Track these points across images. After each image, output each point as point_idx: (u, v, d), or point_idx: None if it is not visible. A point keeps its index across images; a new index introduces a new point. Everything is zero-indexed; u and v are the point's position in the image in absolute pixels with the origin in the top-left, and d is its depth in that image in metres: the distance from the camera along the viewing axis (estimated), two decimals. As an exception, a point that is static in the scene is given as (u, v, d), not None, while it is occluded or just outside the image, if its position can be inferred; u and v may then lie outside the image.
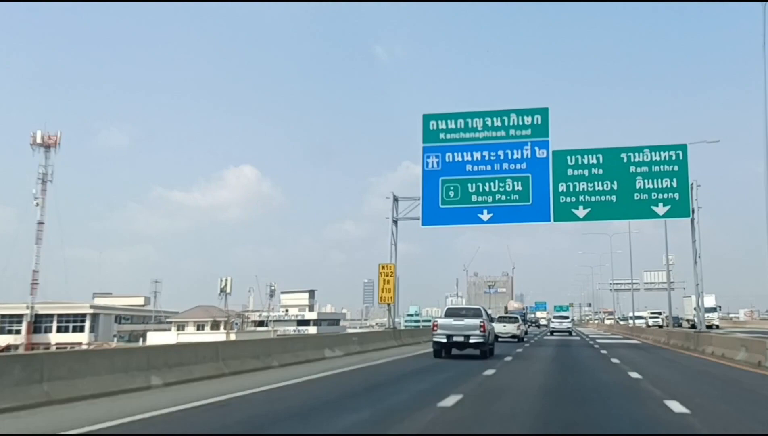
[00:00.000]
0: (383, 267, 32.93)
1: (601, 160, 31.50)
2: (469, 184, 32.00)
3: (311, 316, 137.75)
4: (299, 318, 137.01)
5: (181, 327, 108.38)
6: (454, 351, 23.21)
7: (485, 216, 31.81)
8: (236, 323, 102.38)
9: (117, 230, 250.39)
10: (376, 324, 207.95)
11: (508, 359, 22.76)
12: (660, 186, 30.82)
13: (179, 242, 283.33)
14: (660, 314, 74.03)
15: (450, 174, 32.25)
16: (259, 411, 9.75)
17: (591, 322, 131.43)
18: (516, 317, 44.93)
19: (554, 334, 58.19)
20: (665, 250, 47.43)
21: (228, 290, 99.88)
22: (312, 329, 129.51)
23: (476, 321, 22.29)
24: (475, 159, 32.13)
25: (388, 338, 31.13)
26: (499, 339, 38.39)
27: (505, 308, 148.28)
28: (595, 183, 31.32)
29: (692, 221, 30.97)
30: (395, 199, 33.58)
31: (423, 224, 32.45)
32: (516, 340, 39.65)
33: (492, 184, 31.85)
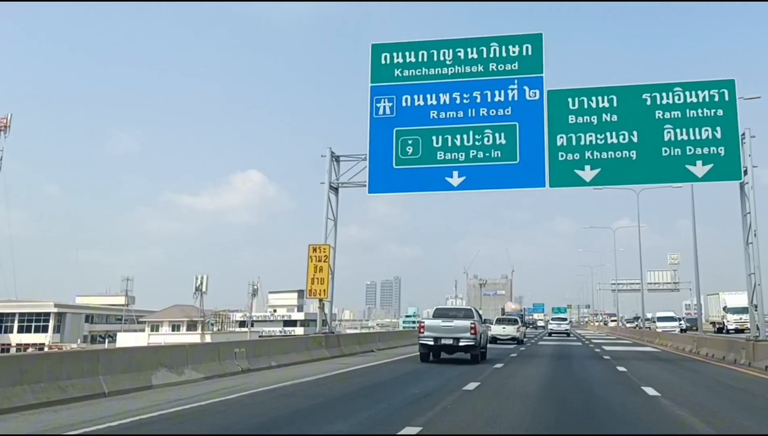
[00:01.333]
0: (315, 249, 23.64)
1: (615, 104, 22.27)
2: (434, 137, 22.81)
3: (298, 316, 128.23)
4: (285, 318, 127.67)
5: (155, 327, 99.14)
6: (444, 355, 21.24)
7: (455, 180, 22.61)
8: (211, 323, 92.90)
9: (127, 232, 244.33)
10: (377, 325, 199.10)
11: (471, 386, 13.49)
12: (698, 137, 21.60)
13: (187, 245, 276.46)
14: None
15: (407, 123, 23.04)
16: None
17: (591, 324, 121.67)
18: (516, 319, 41.15)
19: (552, 335, 56.34)
20: (692, 227, 36.35)
21: (204, 289, 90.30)
22: (299, 330, 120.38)
23: (466, 323, 20.30)
24: (441, 102, 22.92)
25: (315, 346, 21.95)
26: (499, 341, 35.81)
27: (502, 309, 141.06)
28: (608, 134, 22.11)
29: (742, 185, 21.82)
30: (334, 158, 24.29)
31: (370, 191, 23.25)
32: (516, 342, 36.64)
33: (465, 136, 22.65)
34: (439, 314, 21.29)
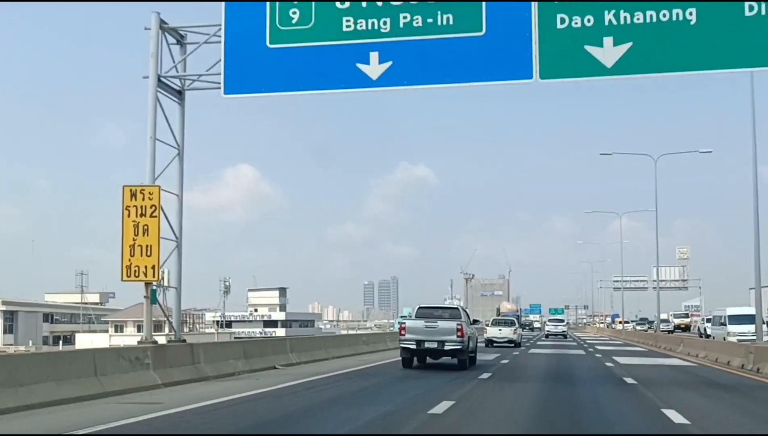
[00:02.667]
0: (133, 195, 13.30)
1: (658, -76, 12.08)
2: (337, -9, 12.66)
3: (279, 316, 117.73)
4: (265, 319, 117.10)
5: (119, 328, 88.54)
6: (429, 360, 18.61)
7: (374, 68, 12.56)
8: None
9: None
10: (375, 326, 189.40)
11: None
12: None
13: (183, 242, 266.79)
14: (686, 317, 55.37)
15: (290, -34, 12.87)
16: None
17: (592, 326, 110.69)
18: (513, 320, 38.41)
19: (549, 337, 54.17)
20: (752, 171, 22.19)
21: (166, 284, 79.49)
22: (280, 331, 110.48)
23: (452, 324, 17.72)
24: (349, -73, 12.75)
25: (124, 368, 11.74)
26: (495, 344, 33.61)
27: (497, 309, 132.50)
28: (645, -21, 11.93)
29: None
30: (170, 33, 13.96)
31: (227, 91, 13.13)
32: (513, 345, 34.15)
33: (390, -12, 12.50)
34: (422, 314, 18.67)
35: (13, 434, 7.61)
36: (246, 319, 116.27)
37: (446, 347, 17.70)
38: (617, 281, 76.45)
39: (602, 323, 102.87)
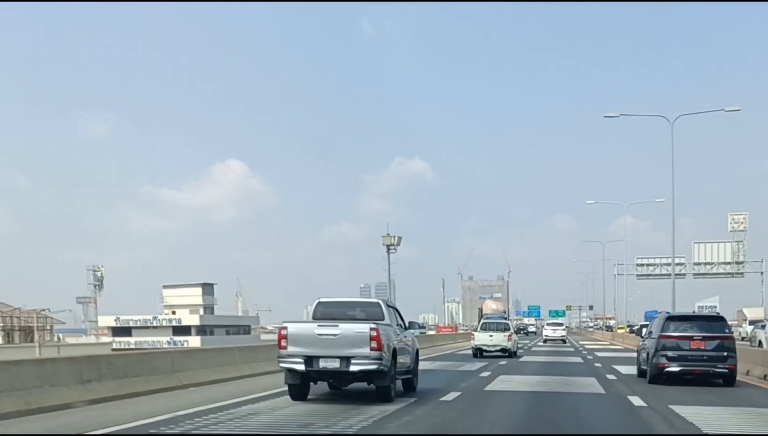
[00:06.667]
0: None
1: None
2: None
3: (192, 320, 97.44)
4: (175, 324, 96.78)
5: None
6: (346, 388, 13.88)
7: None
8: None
9: (111, 231, 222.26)
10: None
11: None
12: None
13: (172, 244, 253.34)
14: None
15: None
16: None
17: (619, 329, 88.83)
18: (507, 324, 34.49)
19: (547, 342, 53.92)
20: None
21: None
22: (194, 340, 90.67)
23: (363, 329, 12.25)
24: None
25: None
26: (485, 354, 29.90)
27: (479, 309, 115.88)
28: None
29: None
30: None
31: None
32: (506, 354, 30.20)
33: None
34: (322, 313, 13.41)
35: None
36: (149, 324, 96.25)
37: (353, 368, 12.12)
38: (642, 265, 57.07)
39: (626, 325, 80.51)
